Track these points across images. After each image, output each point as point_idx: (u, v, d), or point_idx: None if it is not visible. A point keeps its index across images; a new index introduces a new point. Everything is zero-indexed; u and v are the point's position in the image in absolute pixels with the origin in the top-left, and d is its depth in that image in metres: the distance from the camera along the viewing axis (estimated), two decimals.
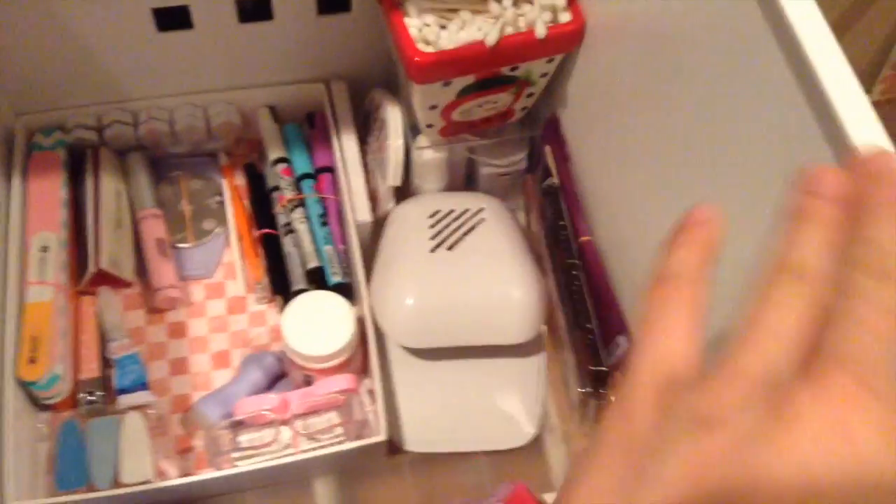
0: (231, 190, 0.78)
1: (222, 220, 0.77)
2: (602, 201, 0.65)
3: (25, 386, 0.63)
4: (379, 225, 0.74)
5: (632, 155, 0.59)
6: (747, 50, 0.42)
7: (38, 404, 0.65)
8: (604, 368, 0.61)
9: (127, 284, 0.72)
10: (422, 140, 0.72)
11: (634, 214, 0.60)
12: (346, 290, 0.71)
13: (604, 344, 0.63)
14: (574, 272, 0.65)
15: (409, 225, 0.71)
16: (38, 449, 0.63)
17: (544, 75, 0.65)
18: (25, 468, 0.62)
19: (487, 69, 0.61)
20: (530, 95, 0.68)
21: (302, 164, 0.77)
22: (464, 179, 0.78)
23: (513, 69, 0.63)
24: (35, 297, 0.65)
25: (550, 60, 0.63)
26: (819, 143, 0.37)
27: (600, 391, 0.63)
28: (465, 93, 0.63)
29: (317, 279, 0.72)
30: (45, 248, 0.67)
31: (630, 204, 0.60)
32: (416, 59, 0.58)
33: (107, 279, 0.70)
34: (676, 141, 0.51)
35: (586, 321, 0.63)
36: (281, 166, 0.77)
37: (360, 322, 0.68)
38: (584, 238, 0.66)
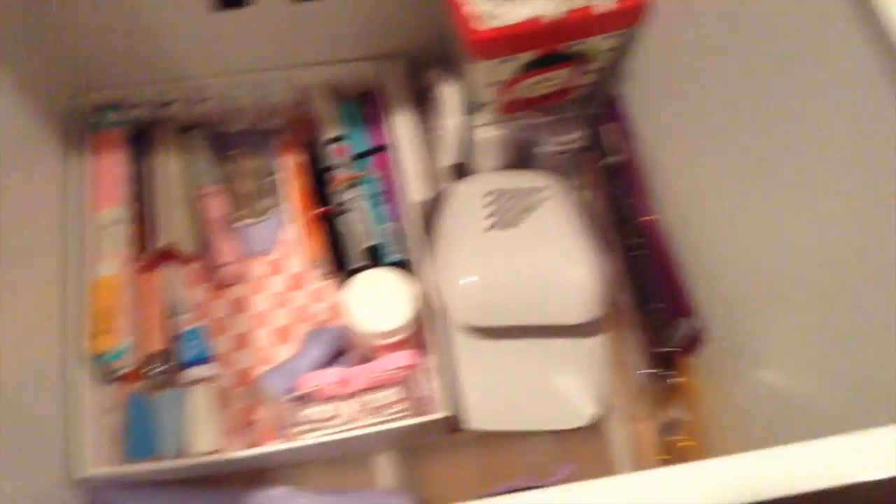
0: (288, 168, 0.78)
1: (282, 198, 0.77)
2: (669, 180, 0.64)
3: (94, 358, 0.64)
4: (435, 203, 0.74)
5: (706, 135, 0.58)
6: (839, 33, 0.40)
7: (106, 376, 0.66)
8: (670, 350, 0.61)
9: (190, 260, 0.73)
10: (479, 118, 0.71)
11: (705, 195, 0.59)
12: (403, 268, 0.71)
13: (670, 325, 0.62)
14: (639, 252, 0.64)
15: (469, 203, 0.71)
16: (106, 420, 0.65)
17: (607, 51, 0.64)
18: (94, 438, 0.63)
19: (548, 45, 0.60)
20: (591, 72, 0.67)
21: (358, 142, 0.77)
22: (522, 158, 0.77)
23: (574, 45, 0.62)
24: (104, 272, 0.66)
25: (613, 36, 0.63)
26: None
27: (663, 373, 0.63)
28: (525, 69, 0.63)
29: (374, 256, 0.72)
30: (112, 223, 0.68)
31: (701, 184, 0.59)
32: (475, 35, 0.57)
33: (171, 255, 0.71)
34: (757, 123, 0.50)
35: (652, 301, 0.62)
36: (337, 145, 0.77)
37: (421, 299, 0.68)
38: (648, 217, 0.65)
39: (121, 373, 0.65)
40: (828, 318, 0.46)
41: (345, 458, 0.67)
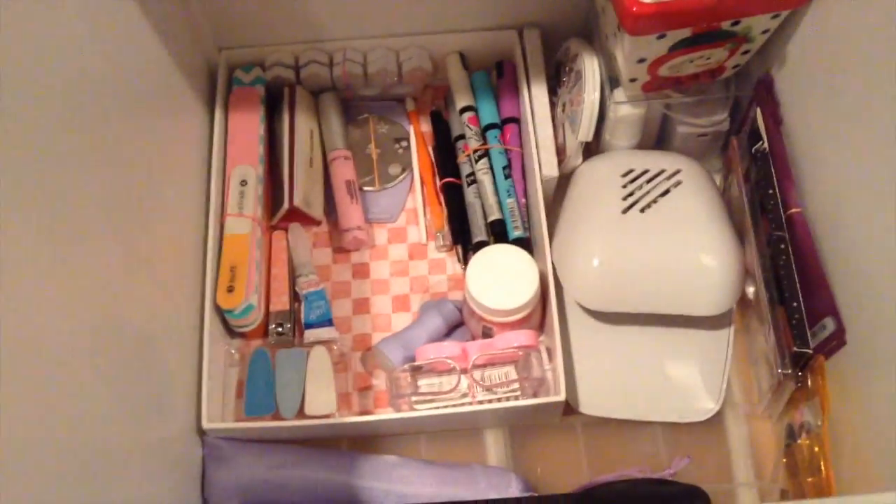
0: (417, 136, 0.78)
1: (407, 166, 0.77)
2: (819, 172, 0.60)
3: (222, 313, 0.66)
4: (564, 181, 0.72)
5: (864, 127, 0.54)
6: None
7: (231, 331, 0.68)
8: (808, 351, 0.57)
9: (316, 223, 0.74)
10: (619, 94, 0.69)
11: (858, 191, 0.55)
12: (526, 245, 0.70)
13: (808, 324, 0.58)
14: (780, 245, 0.60)
15: (600, 183, 0.68)
16: (230, 373, 0.67)
17: (765, 32, 0.61)
18: (218, 391, 0.65)
19: (709, 22, 0.57)
20: (746, 52, 0.63)
21: (488, 113, 0.76)
22: (657, 138, 0.74)
23: (734, 24, 0.58)
24: (234, 229, 0.67)
25: (776, 16, 0.59)
26: None
27: (796, 374, 0.59)
28: (679, 46, 0.60)
29: (497, 232, 0.71)
30: (244, 182, 0.69)
31: (854, 179, 0.55)
32: (635, 8, 0.55)
33: (298, 216, 0.72)
34: None
35: (791, 298, 0.59)
36: (467, 115, 0.76)
37: (541, 278, 0.66)
38: (794, 210, 0.61)
39: (247, 329, 0.67)
40: None
41: (453, 431, 0.67)
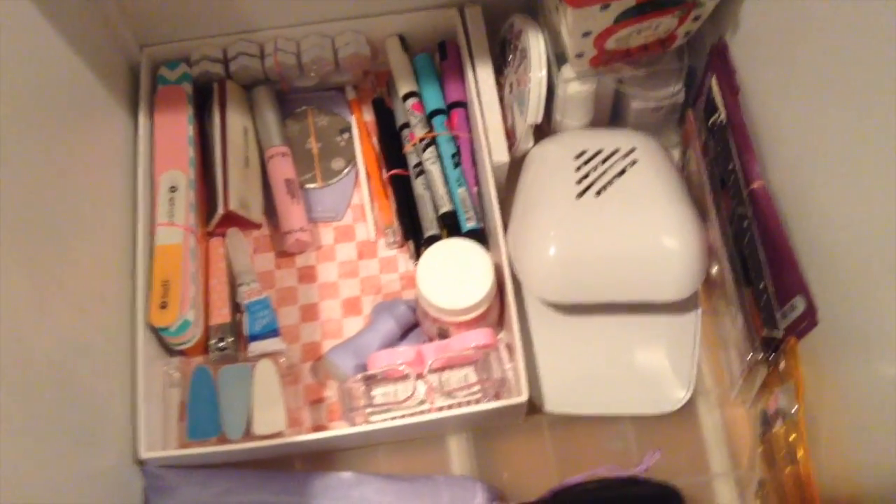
0: (360, 126, 0.74)
1: (351, 159, 0.73)
2: (781, 142, 0.56)
3: (157, 331, 0.61)
4: (516, 166, 0.68)
5: (826, 91, 0.50)
6: None
7: (169, 349, 0.63)
8: (778, 333, 0.54)
9: (256, 226, 0.69)
10: (567, 71, 0.65)
11: (824, 159, 0.51)
12: (481, 237, 0.66)
13: (778, 305, 0.55)
14: (744, 222, 0.57)
15: (552, 166, 0.65)
16: (170, 395, 0.62)
17: None
18: (157, 414, 0.61)
19: None
20: (696, 19, 0.59)
21: (433, 98, 0.71)
22: (610, 115, 0.70)
23: None
24: (164, 240, 0.63)
25: None
26: None
27: (766, 357, 0.56)
28: (624, 17, 0.56)
29: (450, 224, 0.67)
30: (173, 188, 0.65)
31: (819, 147, 0.52)
32: None
33: (235, 221, 0.67)
34: (891, 77, 0.42)
35: (757, 279, 0.56)
36: (411, 101, 0.71)
37: (497, 272, 0.63)
38: (756, 183, 0.58)
39: (185, 346, 0.62)
40: None
41: (414, 440, 0.63)
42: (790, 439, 0.54)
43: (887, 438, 0.48)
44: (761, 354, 0.55)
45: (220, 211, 0.66)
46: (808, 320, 0.54)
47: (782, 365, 0.56)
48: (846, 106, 0.48)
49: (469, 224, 0.67)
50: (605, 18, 0.56)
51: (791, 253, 0.55)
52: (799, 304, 0.54)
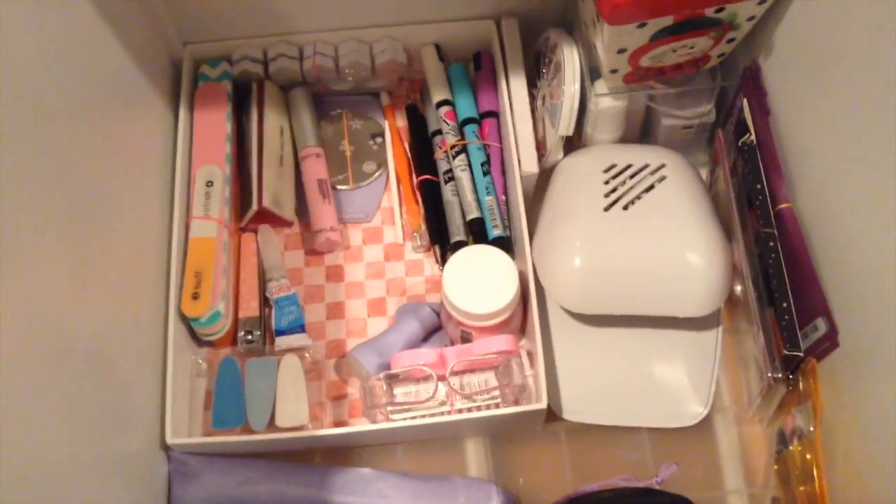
0: (392, 132, 0.75)
1: (382, 163, 0.74)
2: (809, 165, 0.57)
3: (188, 321, 0.63)
4: (545, 177, 0.69)
5: (855, 116, 0.51)
6: None
7: (198, 340, 0.65)
8: (799, 353, 0.55)
9: (287, 224, 0.71)
10: (600, 86, 0.66)
11: (850, 183, 0.52)
12: (506, 245, 0.67)
13: (799, 325, 0.56)
14: (769, 242, 0.58)
15: (581, 179, 0.66)
16: (197, 384, 0.64)
17: (751, 18, 0.58)
18: (184, 403, 0.62)
19: (690, 10, 0.54)
20: (731, 41, 0.60)
21: (466, 107, 0.73)
22: (640, 131, 0.71)
23: (718, 10, 0.55)
24: (199, 233, 0.64)
25: (762, 1, 0.56)
26: None
27: (786, 377, 0.57)
28: (660, 35, 0.57)
29: (476, 231, 0.68)
30: (209, 183, 0.66)
31: (847, 171, 0.53)
32: None
33: (268, 217, 0.69)
34: None
35: (781, 298, 0.56)
36: (444, 109, 0.73)
37: (522, 280, 0.64)
38: (783, 205, 0.58)
39: (214, 337, 0.64)
40: None
41: (432, 441, 0.64)
42: (806, 458, 0.55)
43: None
44: (780, 374, 0.56)
45: (254, 207, 0.67)
46: (830, 342, 0.54)
47: (801, 385, 0.57)
48: (874, 132, 0.49)
49: (496, 231, 0.68)
50: (642, 36, 0.57)
51: (815, 274, 0.56)
52: (821, 326, 0.55)
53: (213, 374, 0.63)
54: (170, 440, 0.58)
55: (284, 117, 0.73)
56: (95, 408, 0.51)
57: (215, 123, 0.70)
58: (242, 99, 0.73)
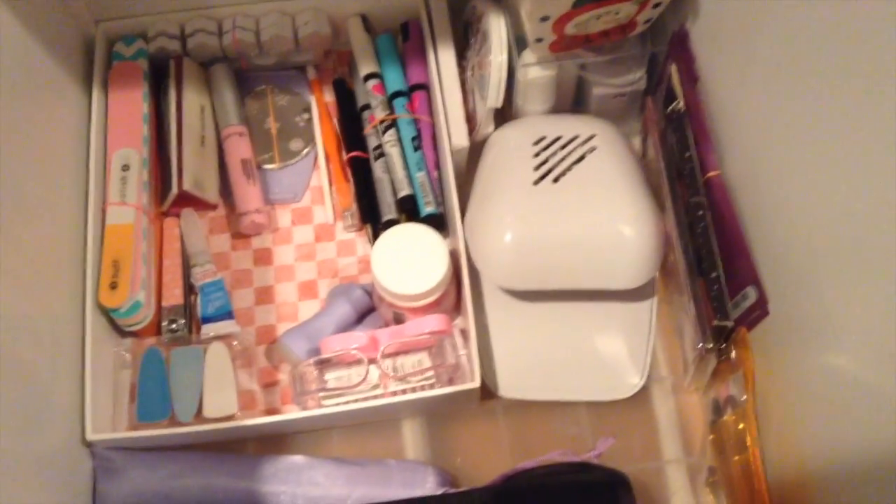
0: (320, 107, 0.73)
1: (310, 140, 0.72)
2: (737, 132, 0.56)
3: (108, 312, 0.60)
4: (476, 150, 0.67)
5: (782, 82, 0.50)
6: None
7: (121, 331, 0.62)
8: (728, 323, 0.54)
9: (211, 206, 0.68)
10: (528, 56, 0.64)
11: (778, 150, 0.51)
12: (439, 222, 0.66)
13: (730, 294, 0.55)
14: (699, 211, 0.57)
15: (511, 152, 0.64)
16: (122, 376, 0.62)
17: None
18: (107, 397, 0.60)
19: None
20: (657, 6, 0.59)
21: (394, 80, 0.71)
22: (572, 101, 0.70)
23: None
24: (116, 219, 0.62)
25: None
26: None
27: (722, 346, 0.57)
28: (584, 2, 0.55)
29: (408, 208, 0.67)
30: (125, 167, 0.63)
31: (774, 138, 0.52)
32: None
33: (190, 201, 0.66)
34: (846, 68, 0.42)
35: (710, 268, 0.56)
36: (372, 82, 0.70)
37: (454, 257, 0.62)
38: (712, 173, 0.58)
39: (136, 327, 0.61)
40: None
41: (368, 424, 0.63)
42: (739, 428, 0.55)
43: (833, 427, 0.48)
44: (712, 344, 0.55)
45: (174, 190, 0.64)
46: (760, 310, 0.54)
47: (734, 354, 0.56)
48: (802, 98, 0.48)
49: (428, 209, 0.66)
50: (565, 3, 0.55)
51: (744, 243, 0.55)
52: (751, 294, 0.55)
53: (138, 365, 0.61)
54: (90, 436, 0.56)
55: (205, 95, 0.70)
56: (8, 406, 0.48)
57: (131, 104, 0.66)
58: (160, 78, 0.70)
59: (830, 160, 0.45)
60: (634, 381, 0.63)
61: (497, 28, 0.64)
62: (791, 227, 0.51)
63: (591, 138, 0.63)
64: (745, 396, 0.55)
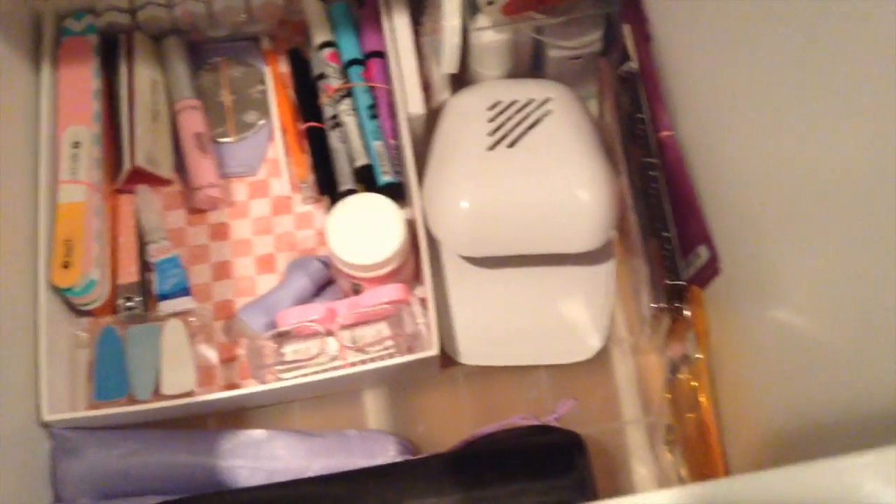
0: (275, 78, 0.72)
1: (265, 112, 0.71)
2: (688, 91, 0.56)
3: (62, 292, 0.60)
4: (433, 117, 0.67)
5: (731, 41, 0.49)
6: None
7: (77, 310, 0.62)
8: (681, 283, 0.54)
9: (166, 182, 0.68)
10: (481, 19, 0.63)
11: (728, 110, 0.51)
12: (398, 191, 0.66)
13: (682, 254, 0.55)
14: (651, 172, 0.57)
15: (466, 118, 0.63)
16: (78, 356, 0.61)
17: None
18: (64, 377, 0.60)
19: None
20: None
21: (350, 48, 0.70)
22: (530, 64, 0.69)
23: None
24: (67, 198, 0.61)
25: None
26: None
27: (675, 305, 0.57)
28: None
29: (366, 178, 0.66)
30: (76, 144, 0.63)
31: (723, 97, 0.51)
32: None
33: (144, 177, 0.66)
34: (790, 29, 0.41)
35: (663, 228, 0.55)
36: (327, 51, 0.69)
37: (412, 226, 0.62)
38: (664, 133, 0.57)
39: (91, 306, 0.61)
40: (849, 254, 0.39)
41: (330, 395, 0.63)
42: (692, 385, 0.55)
43: (783, 383, 0.48)
44: (665, 303, 0.55)
45: (127, 166, 0.64)
46: (711, 269, 0.54)
47: (687, 313, 0.56)
48: (749, 57, 0.47)
49: (385, 178, 0.66)
50: None
51: (696, 203, 0.55)
52: (702, 253, 0.54)
53: (95, 344, 0.61)
54: (46, 417, 0.56)
55: (157, 69, 0.69)
56: None
57: (81, 81, 0.65)
58: (111, 52, 0.68)
59: (776, 120, 0.45)
60: (594, 344, 0.63)
61: None
62: (740, 186, 0.51)
63: (546, 102, 0.63)
64: (698, 354, 0.55)
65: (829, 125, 0.39)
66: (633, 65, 0.60)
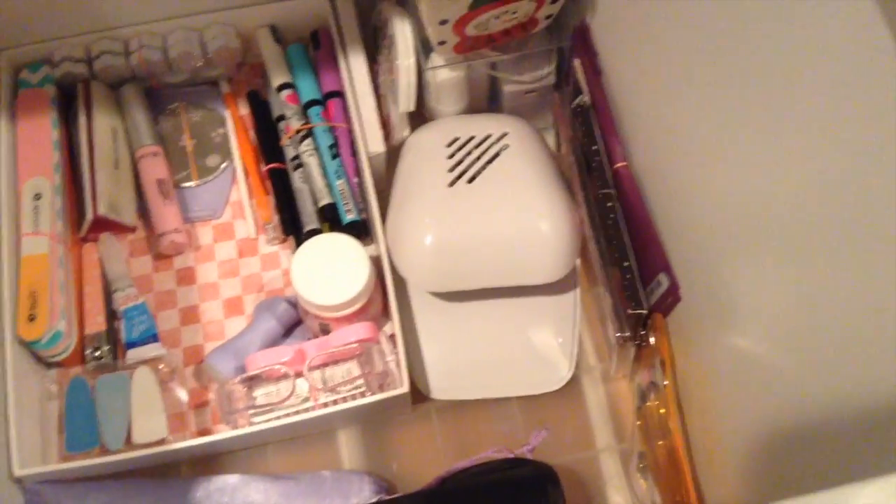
0: (235, 121, 0.72)
1: (227, 155, 0.71)
2: (640, 122, 0.57)
3: (28, 345, 0.59)
4: (394, 154, 0.68)
5: (677, 73, 0.51)
6: None
7: (45, 361, 0.62)
8: (643, 311, 0.55)
9: (130, 230, 0.68)
10: (435, 58, 0.64)
11: (678, 138, 0.52)
12: (362, 228, 0.66)
13: (643, 282, 0.57)
14: (608, 203, 0.58)
15: (426, 155, 0.64)
16: (48, 408, 0.61)
17: None
18: (34, 430, 0.59)
19: None
20: (555, 1, 0.60)
21: (308, 89, 0.70)
22: (487, 99, 0.71)
23: None
24: (30, 250, 0.61)
25: None
26: None
27: (640, 333, 0.58)
28: (480, 3, 0.56)
29: (330, 217, 0.67)
30: (38, 196, 0.63)
31: (673, 126, 0.53)
32: None
33: (108, 225, 0.66)
34: (739, 59, 0.43)
35: (623, 258, 0.57)
36: (286, 92, 0.70)
37: (378, 263, 0.63)
38: (619, 164, 0.59)
39: (59, 358, 0.61)
40: (804, 281, 0.41)
41: (303, 437, 0.63)
42: (661, 412, 0.56)
43: (744, 406, 0.50)
44: (629, 332, 0.56)
45: (89, 216, 0.64)
46: (673, 296, 0.55)
47: (653, 340, 0.58)
48: (695, 88, 0.49)
49: (349, 216, 0.66)
50: (460, 6, 0.55)
51: (654, 232, 0.56)
52: (663, 281, 0.56)
53: (64, 396, 0.60)
54: (17, 472, 0.55)
55: (117, 117, 0.69)
56: None
57: (40, 132, 0.65)
58: (69, 103, 0.69)
59: (723, 149, 0.46)
60: (564, 373, 0.64)
61: (402, 32, 0.64)
62: (694, 214, 0.52)
63: (503, 136, 0.64)
64: (665, 381, 0.56)
65: (776, 155, 0.41)
66: (586, 98, 0.61)
